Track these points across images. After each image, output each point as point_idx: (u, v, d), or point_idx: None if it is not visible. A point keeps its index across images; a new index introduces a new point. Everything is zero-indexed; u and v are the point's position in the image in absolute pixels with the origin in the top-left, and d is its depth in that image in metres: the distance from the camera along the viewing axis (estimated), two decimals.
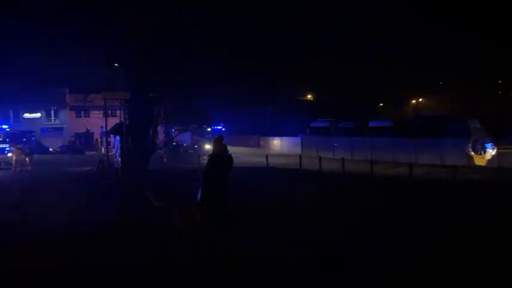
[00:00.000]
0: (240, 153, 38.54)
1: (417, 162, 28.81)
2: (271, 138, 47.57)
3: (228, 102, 44.12)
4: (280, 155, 37.97)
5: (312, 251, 7.20)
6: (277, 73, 55.67)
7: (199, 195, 8.22)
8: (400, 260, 6.64)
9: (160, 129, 29.93)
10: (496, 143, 23.28)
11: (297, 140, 42.40)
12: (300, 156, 27.32)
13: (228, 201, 8.27)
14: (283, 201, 12.12)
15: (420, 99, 64.59)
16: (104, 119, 21.43)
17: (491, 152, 23.34)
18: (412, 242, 7.73)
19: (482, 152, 23.56)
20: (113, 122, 24.57)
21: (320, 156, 26.62)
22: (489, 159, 23.48)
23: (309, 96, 67.70)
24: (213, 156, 8.50)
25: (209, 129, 42.64)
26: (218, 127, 47.18)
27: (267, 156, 27.32)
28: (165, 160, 30.32)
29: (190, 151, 40.56)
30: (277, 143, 46.04)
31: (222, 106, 43.11)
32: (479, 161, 23.77)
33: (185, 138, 41.47)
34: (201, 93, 27.45)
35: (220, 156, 8.37)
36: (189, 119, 28.93)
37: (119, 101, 21.27)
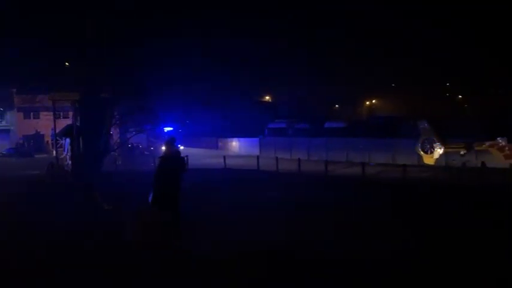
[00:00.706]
0: (198, 154, 38.27)
1: (370, 161, 29.78)
2: (229, 139, 47.53)
3: (185, 103, 43.63)
4: (239, 156, 38.01)
5: (261, 251, 7.24)
6: (236, 74, 55.70)
7: (150, 197, 8.08)
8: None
9: (115, 131, 29.16)
10: (444, 143, 24.41)
11: (255, 141, 42.59)
12: (258, 157, 27.47)
13: (181, 203, 8.18)
14: (238, 202, 12.11)
15: (374, 101, 66.72)
16: (56, 121, 20.68)
17: (439, 151, 24.43)
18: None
19: (431, 152, 24.62)
20: (65, 123, 23.72)
21: (277, 157, 26.90)
22: (437, 158, 24.57)
23: (268, 97, 68.22)
24: (164, 158, 8.37)
25: (166, 130, 41.95)
26: (169, 128, 46.60)
27: (224, 157, 27.27)
28: (119, 162, 29.57)
29: (146, 153, 39.73)
30: (235, 144, 46.06)
31: (179, 107, 42.59)
32: (428, 160, 24.84)
33: (141, 140, 40.60)
34: (156, 94, 26.98)
35: (172, 158, 8.25)
36: (144, 120, 28.37)
37: (70, 101, 20.52)
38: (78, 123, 19.79)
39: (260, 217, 9.97)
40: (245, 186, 16.42)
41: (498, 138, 21.81)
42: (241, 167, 26.15)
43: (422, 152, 25.10)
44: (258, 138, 42.61)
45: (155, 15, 21.11)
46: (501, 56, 51.36)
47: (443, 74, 58.91)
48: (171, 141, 8.39)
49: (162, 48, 22.65)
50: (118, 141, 28.77)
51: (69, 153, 21.34)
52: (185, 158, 8.49)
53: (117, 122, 23.36)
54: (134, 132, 28.62)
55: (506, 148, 21.24)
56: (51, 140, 47.36)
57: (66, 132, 22.03)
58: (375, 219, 9.78)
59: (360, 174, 20.22)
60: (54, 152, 37.42)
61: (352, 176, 21.56)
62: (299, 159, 24.61)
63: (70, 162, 20.70)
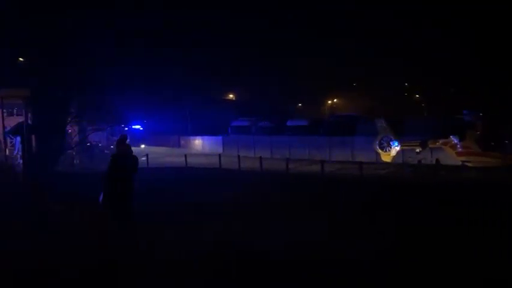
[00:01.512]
0: (159, 153, 37.71)
1: (331, 159, 30.34)
2: (192, 137, 47.08)
3: (147, 101, 42.93)
4: (202, 154, 37.76)
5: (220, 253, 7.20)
6: (199, 72, 55.31)
7: (101, 197, 7.86)
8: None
9: (72, 128, 28.19)
10: (400, 141, 25.11)
11: (218, 139, 42.42)
12: (220, 155, 27.35)
13: (134, 203, 8.00)
14: (195, 201, 11.97)
15: (335, 100, 67.98)
16: (9, 118, 19.75)
17: (396, 148, 25.10)
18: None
19: (388, 149, 25.25)
20: (18, 121, 22.68)
21: (239, 155, 26.90)
22: (394, 156, 25.25)
23: (231, 96, 68.08)
24: (116, 156, 8.16)
25: (126, 128, 41.03)
26: (136, 126, 45.69)
27: (185, 156, 26.96)
28: (77, 162, 28.64)
29: (106, 152, 38.66)
30: (198, 143, 45.68)
31: (141, 106, 41.84)
32: (386, 157, 25.45)
33: (101, 139, 39.47)
34: (116, 92, 26.32)
35: (124, 157, 8.06)
36: (103, 118, 27.60)
37: (21, 98, 19.63)
38: (30, 121, 18.98)
39: (214, 217, 9.90)
40: (204, 185, 16.29)
41: (451, 136, 22.62)
42: (203, 166, 25.96)
43: (379, 150, 25.69)
44: (221, 137, 42.48)
45: (114, 12, 20.61)
46: (457, 58, 53.58)
47: (401, 75, 60.89)
48: (123, 139, 8.18)
49: (121, 45, 22.16)
50: (76, 139, 27.87)
51: (20, 152, 20.44)
52: (137, 157, 8.24)
53: (74, 119, 22.65)
54: (91, 130, 27.85)
55: (458, 146, 22.07)
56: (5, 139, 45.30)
57: (17, 130, 21.08)
58: (331, 217, 9.93)
59: (319, 172, 20.51)
60: (8, 151, 35.80)
61: (312, 173, 21.84)
62: (260, 157, 24.69)
63: (21, 161, 19.82)
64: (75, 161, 28.59)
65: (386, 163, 25.62)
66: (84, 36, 18.85)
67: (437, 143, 23.61)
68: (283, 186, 15.94)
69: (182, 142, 47.85)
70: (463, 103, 39.44)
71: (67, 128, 24.75)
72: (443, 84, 56.05)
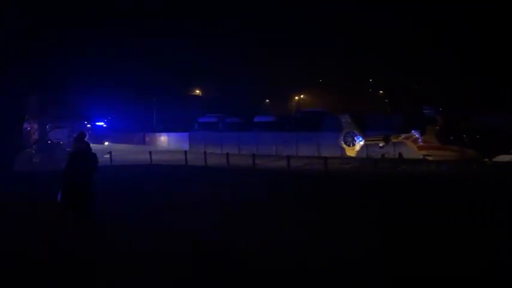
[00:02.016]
0: (123, 150, 36.89)
1: (298, 154, 30.65)
2: (157, 134, 46.34)
3: (111, 98, 41.91)
4: (167, 151, 37.24)
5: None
6: (164, 68, 54.42)
7: (59, 196, 7.56)
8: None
9: (31, 126, 27.14)
10: (365, 136, 25.64)
11: (185, 135, 41.95)
12: (186, 152, 27.05)
13: (94, 202, 7.75)
14: (158, 199, 11.76)
15: (302, 96, 68.66)
16: None
17: (360, 143, 25.61)
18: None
19: (353, 144, 25.75)
20: None
21: (205, 152, 26.69)
22: (358, 151, 25.76)
23: (198, 91, 67.46)
24: (74, 154, 7.87)
25: (89, 125, 39.97)
26: (100, 123, 44.58)
27: (150, 152, 26.48)
28: (37, 160, 27.62)
29: (68, 150, 37.44)
30: (164, 139, 45.02)
31: (104, 102, 40.79)
32: (350, 152, 25.95)
33: (62, 136, 38.22)
34: (78, 88, 25.53)
35: (82, 155, 7.78)
36: (64, 115, 26.76)
37: None
38: None
39: (178, 216, 9.75)
40: (169, 183, 16.04)
41: (413, 131, 23.28)
42: (168, 163, 25.60)
43: (344, 145, 26.16)
44: (187, 133, 42.02)
45: (72, 7, 19.90)
46: (419, 54, 55.09)
47: (366, 72, 62.17)
48: (81, 137, 7.89)
49: (81, 40, 21.48)
50: (35, 137, 26.89)
51: None
52: (97, 154, 7.98)
53: (33, 116, 21.82)
54: (52, 128, 26.96)
55: (419, 140, 22.73)
56: None
57: None
58: (293, 211, 9.99)
59: (286, 168, 20.64)
60: None
61: (279, 169, 21.94)
62: (227, 153, 24.60)
63: None
64: (34, 160, 27.57)
65: (351, 157, 26.11)
66: (44, 35, 18.14)
67: (399, 138, 24.24)
68: (249, 183, 15.91)
69: (147, 139, 47.03)
70: (424, 99, 40.75)
71: (25, 126, 23.82)
72: (406, 81, 57.55)
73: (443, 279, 5.60)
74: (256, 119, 39.41)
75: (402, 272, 5.88)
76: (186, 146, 38.04)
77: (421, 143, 22.73)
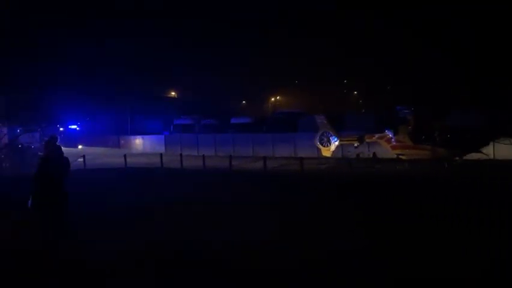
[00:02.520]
0: (97, 153, 36.22)
1: (274, 155, 30.76)
2: (132, 137, 45.61)
3: (84, 100, 41.10)
4: (143, 154, 36.77)
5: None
6: (139, 69, 53.78)
7: (30, 202, 7.38)
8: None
9: (0, 130, 26.33)
10: (340, 136, 25.96)
11: (160, 138, 41.51)
12: (161, 154, 26.77)
13: (67, 207, 7.60)
14: (132, 203, 11.57)
15: (278, 97, 68.98)
16: None
17: (335, 144, 25.92)
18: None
19: (328, 144, 26.03)
20: None
21: (181, 154, 26.51)
22: (334, 151, 26.06)
23: (173, 93, 66.85)
24: (45, 158, 7.71)
25: (62, 129, 39.04)
26: (73, 126, 43.61)
27: (125, 155, 26.08)
28: (6, 165, 26.82)
29: (39, 153, 36.51)
30: (139, 142, 44.39)
31: (77, 104, 39.97)
32: (326, 152, 26.22)
33: (33, 140, 37.18)
34: (49, 90, 24.98)
35: (54, 159, 7.62)
36: (36, 118, 26.09)
37: None
38: None
39: (149, 218, 9.65)
40: (144, 185, 15.83)
41: (386, 131, 23.73)
42: (144, 165, 25.27)
43: (320, 145, 26.42)
44: (163, 135, 41.59)
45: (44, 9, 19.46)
46: (392, 56, 56.21)
47: (341, 73, 63.07)
48: (52, 140, 7.74)
49: (53, 41, 21.04)
50: (4, 141, 26.17)
51: None
52: (69, 158, 7.82)
53: (1, 119, 21.21)
54: (23, 131, 26.28)
55: (393, 140, 23.20)
56: None
57: None
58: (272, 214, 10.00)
59: (263, 169, 20.69)
60: None
61: (256, 170, 21.98)
62: (203, 155, 24.48)
63: None
64: (3, 164, 26.77)
65: (327, 158, 26.38)
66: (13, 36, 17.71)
67: (373, 138, 24.66)
68: (225, 184, 15.85)
69: (122, 142, 46.24)
70: (397, 99, 41.54)
71: None
72: (379, 81, 58.56)
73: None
74: (232, 121, 39.37)
75: (380, 269, 5.99)
76: (161, 149, 37.64)
77: (394, 143, 23.19)
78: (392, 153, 23.64)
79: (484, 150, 21.23)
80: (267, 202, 11.06)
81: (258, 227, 8.35)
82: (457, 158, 21.42)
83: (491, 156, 22.36)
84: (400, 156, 23.01)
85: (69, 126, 44.47)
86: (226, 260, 6.46)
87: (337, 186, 14.55)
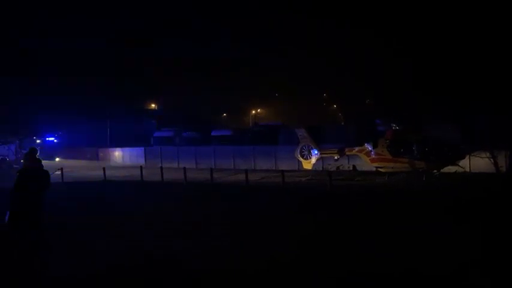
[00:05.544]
0: (75, 166, 35.52)
1: (255, 168, 30.78)
2: (111, 149, 44.88)
3: (62, 111, 40.33)
4: (122, 167, 36.26)
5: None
6: (118, 82, 53.25)
7: (7, 216, 7.21)
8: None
9: None
10: (320, 149, 26.19)
11: (140, 150, 40.99)
12: (141, 167, 26.44)
13: (45, 221, 7.46)
14: (112, 217, 11.44)
15: (259, 110, 69.29)
16: None
17: (316, 156, 26.12)
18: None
19: (309, 157, 26.21)
20: None
21: (162, 167, 26.26)
22: (314, 163, 26.25)
23: (153, 105, 66.35)
24: (24, 171, 7.56)
25: (38, 141, 38.23)
26: (50, 139, 42.75)
27: (104, 168, 25.67)
28: None
29: (15, 166, 35.61)
30: (118, 155, 43.71)
31: (55, 116, 39.21)
32: (307, 165, 26.38)
33: (9, 152, 36.29)
34: (25, 102, 24.53)
35: (33, 172, 7.48)
36: (11, 130, 25.58)
37: None
38: None
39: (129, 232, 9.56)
40: (123, 199, 15.64)
41: (366, 144, 24.04)
42: (123, 179, 24.93)
43: (301, 158, 26.58)
44: (143, 148, 41.08)
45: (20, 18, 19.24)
46: (370, 68, 57.11)
47: (320, 87, 63.84)
48: (32, 153, 7.61)
49: (30, 51, 20.79)
50: None
51: None
52: (48, 172, 7.70)
53: None
54: None
55: (372, 153, 23.52)
56: None
57: None
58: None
59: (244, 181, 20.67)
60: None
61: (237, 183, 21.95)
62: (184, 168, 24.28)
63: None
64: None
65: (307, 170, 26.54)
66: None
67: (353, 151, 24.94)
68: (206, 197, 15.83)
69: (101, 154, 45.41)
70: (377, 113, 42.18)
71: None
72: (358, 94, 59.32)
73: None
74: (213, 133, 39.33)
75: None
76: (141, 161, 37.19)
77: (373, 156, 23.50)
78: (371, 166, 23.95)
79: (460, 163, 21.74)
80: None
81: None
82: (435, 171, 21.86)
83: (467, 169, 22.91)
84: (379, 169, 23.33)
85: (47, 138, 43.59)
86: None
87: (305, 199, 14.72)
